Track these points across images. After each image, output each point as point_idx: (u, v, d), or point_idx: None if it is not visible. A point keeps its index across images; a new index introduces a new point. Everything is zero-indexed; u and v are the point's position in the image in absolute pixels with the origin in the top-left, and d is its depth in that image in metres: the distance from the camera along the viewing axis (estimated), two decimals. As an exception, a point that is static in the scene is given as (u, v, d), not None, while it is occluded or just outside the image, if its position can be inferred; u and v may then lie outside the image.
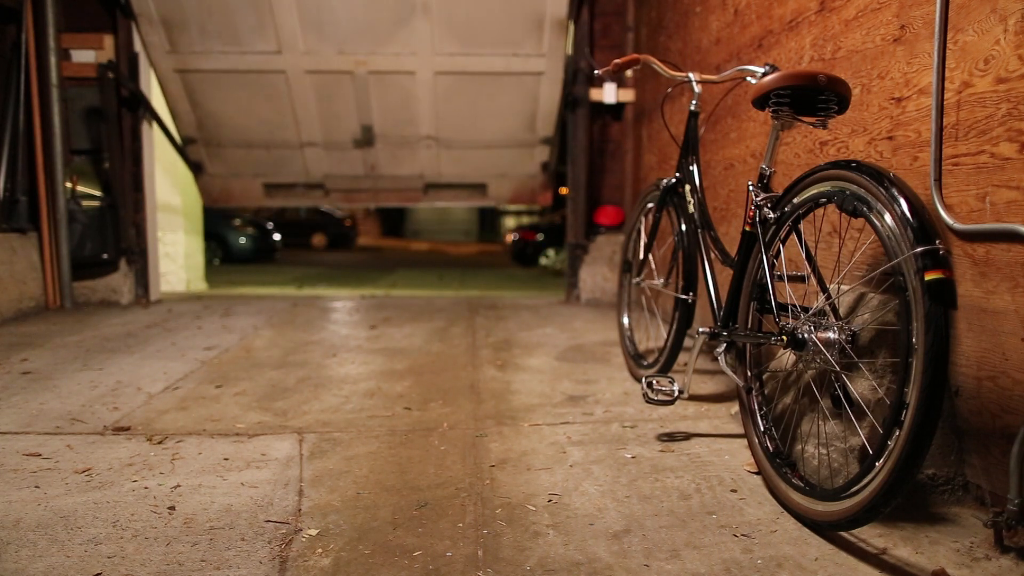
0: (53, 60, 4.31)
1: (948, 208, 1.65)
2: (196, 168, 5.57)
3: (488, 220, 31.77)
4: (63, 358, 3.10)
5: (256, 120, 5.33)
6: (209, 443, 2.08)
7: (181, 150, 5.42)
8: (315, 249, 20.04)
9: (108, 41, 4.64)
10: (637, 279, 2.90)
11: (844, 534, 1.50)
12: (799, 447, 1.77)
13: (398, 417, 2.35)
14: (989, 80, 1.54)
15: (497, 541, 1.49)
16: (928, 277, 1.29)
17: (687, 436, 2.16)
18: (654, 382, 2.20)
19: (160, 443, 2.07)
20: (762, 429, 1.81)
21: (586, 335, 3.79)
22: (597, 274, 5.12)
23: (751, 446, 1.83)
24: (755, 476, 1.83)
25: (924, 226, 1.32)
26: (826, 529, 1.50)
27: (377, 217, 29.06)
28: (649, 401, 2.15)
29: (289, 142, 5.47)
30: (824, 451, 1.69)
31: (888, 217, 1.39)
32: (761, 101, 1.75)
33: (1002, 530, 1.40)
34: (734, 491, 1.74)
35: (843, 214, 1.54)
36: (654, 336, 3.34)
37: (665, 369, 2.60)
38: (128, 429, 2.19)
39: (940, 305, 1.28)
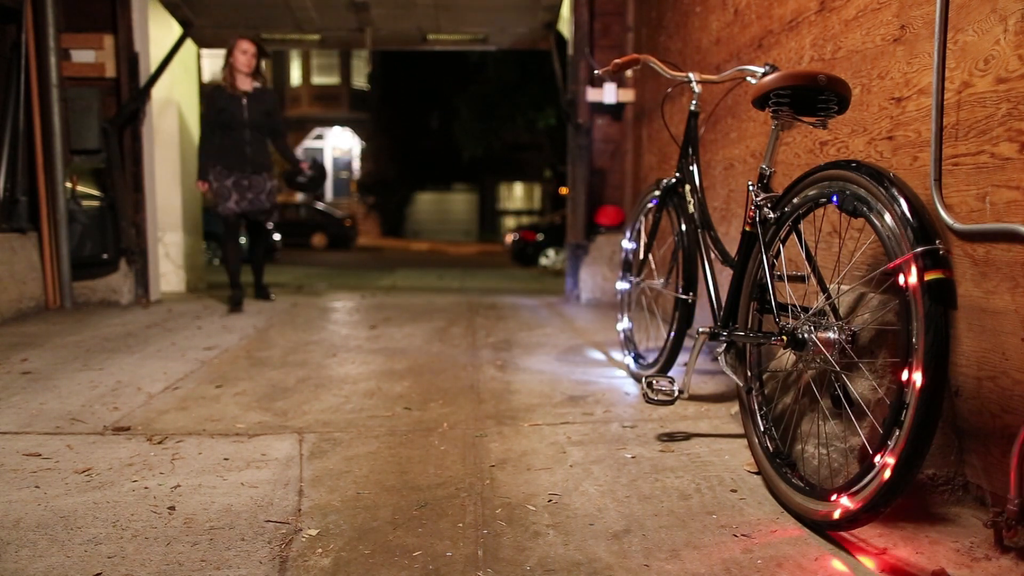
0: (53, 60, 4.31)
1: (948, 208, 1.65)
2: (185, 24, 5.50)
3: (488, 220, 31.72)
4: (63, 358, 3.10)
5: None
6: (209, 443, 2.08)
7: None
8: (315, 249, 20.03)
9: (108, 41, 4.64)
10: (637, 279, 2.90)
11: (844, 534, 1.49)
12: (799, 447, 1.77)
13: (398, 417, 2.35)
14: (989, 80, 1.54)
15: (497, 541, 1.49)
16: (928, 277, 1.29)
17: (687, 436, 2.16)
18: (654, 382, 2.20)
19: (160, 443, 2.07)
20: (762, 429, 1.81)
21: (586, 335, 3.79)
22: (597, 274, 5.12)
23: (751, 446, 1.83)
24: (755, 476, 1.83)
25: (924, 226, 1.32)
26: (826, 529, 1.50)
27: (377, 217, 29.03)
28: (649, 401, 2.14)
29: (277, 4, 5.39)
30: (824, 451, 1.69)
31: (888, 217, 1.39)
32: (761, 101, 1.75)
33: (1002, 530, 1.40)
34: (734, 491, 1.74)
35: (843, 214, 1.54)
36: (654, 336, 3.34)
37: (665, 369, 2.60)
38: (128, 429, 2.19)
39: (940, 305, 1.28)
